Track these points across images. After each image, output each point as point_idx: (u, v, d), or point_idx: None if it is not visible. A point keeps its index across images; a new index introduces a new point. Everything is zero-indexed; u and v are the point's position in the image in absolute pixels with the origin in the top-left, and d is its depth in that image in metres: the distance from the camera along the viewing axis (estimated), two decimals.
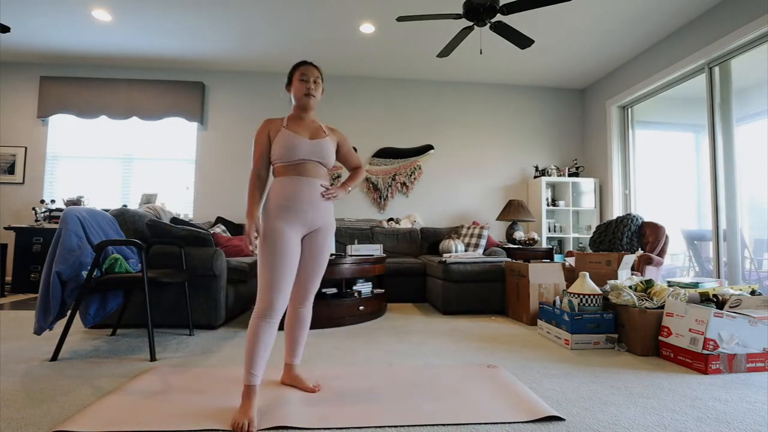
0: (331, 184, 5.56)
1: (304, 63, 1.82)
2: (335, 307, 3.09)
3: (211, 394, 1.68)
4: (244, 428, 1.37)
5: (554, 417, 1.49)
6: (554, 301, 2.84)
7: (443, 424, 1.42)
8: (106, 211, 3.05)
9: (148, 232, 2.87)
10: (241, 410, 1.44)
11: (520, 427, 1.41)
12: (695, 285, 2.60)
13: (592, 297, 2.55)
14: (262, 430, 1.38)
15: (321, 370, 2.01)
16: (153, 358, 2.17)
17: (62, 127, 5.39)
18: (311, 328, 3.01)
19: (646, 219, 4.23)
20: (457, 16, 3.42)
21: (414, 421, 1.43)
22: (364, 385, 1.80)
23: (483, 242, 4.62)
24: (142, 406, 1.55)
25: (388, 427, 1.40)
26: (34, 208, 4.91)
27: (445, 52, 3.95)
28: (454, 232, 5.09)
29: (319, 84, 1.82)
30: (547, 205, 5.63)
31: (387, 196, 5.65)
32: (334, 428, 1.38)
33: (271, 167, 1.77)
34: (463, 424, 1.42)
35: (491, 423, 1.43)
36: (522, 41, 3.70)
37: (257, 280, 1.61)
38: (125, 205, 5.19)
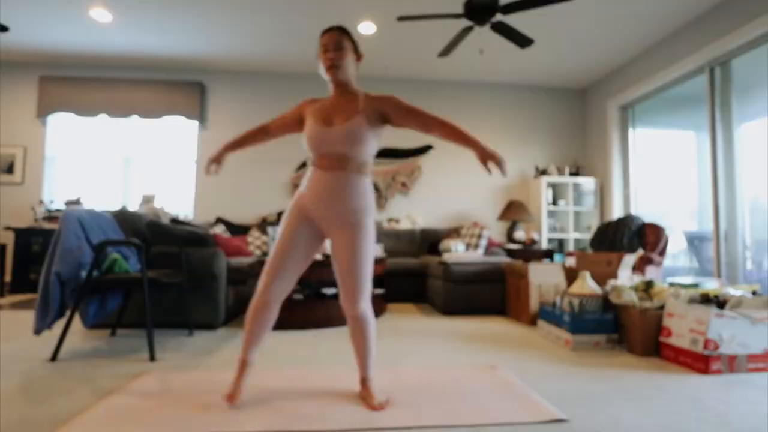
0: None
1: (324, 32, 1.62)
2: (334, 307, 3.09)
3: (214, 397, 1.67)
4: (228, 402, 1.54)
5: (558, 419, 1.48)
6: (554, 302, 2.84)
7: (446, 426, 1.41)
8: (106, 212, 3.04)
9: (147, 232, 2.86)
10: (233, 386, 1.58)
11: (521, 427, 1.41)
12: (696, 285, 2.60)
13: (592, 297, 2.55)
14: None
15: (321, 372, 2.00)
16: (152, 359, 2.17)
17: (62, 127, 5.38)
18: (311, 327, 3.00)
19: (647, 219, 4.22)
20: (457, 16, 3.42)
21: (417, 423, 1.42)
22: None
23: (483, 242, 4.62)
24: (143, 410, 1.54)
25: (391, 429, 1.39)
26: (33, 209, 4.91)
27: (446, 52, 3.95)
28: (454, 232, 5.09)
29: (344, 49, 1.59)
30: (548, 205, 5.62)
31: (387, 196, 5.65)
32: (336, 430, 1.38)
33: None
34: (467, 426, 1.41)
35: (495, 424, 1.43)
36: (522, 41, 3.69)
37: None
38: (124, 206, 5.19)
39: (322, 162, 1.58)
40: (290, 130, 1.73)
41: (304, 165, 5.57)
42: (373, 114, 1.62)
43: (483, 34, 4.55)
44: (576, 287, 2.63)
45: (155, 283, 2.28)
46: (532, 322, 3.14)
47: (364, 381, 1.64)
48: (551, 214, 5.78)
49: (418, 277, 4.37)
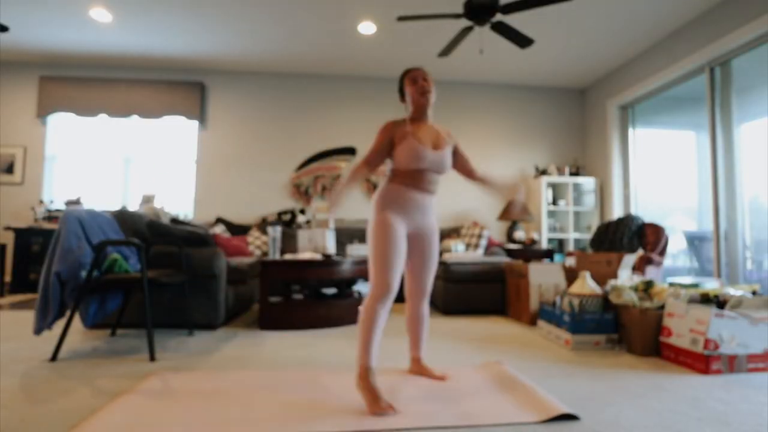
0: (331, 183, 5.55)
1: (410, 69, 1.89)
2: (335, 307, 3.09)
3: (219, 400, 1.67)
4: (388, 411, 1.47)
5: (567, 415, 1.48)
6: (554, 302, 2.84)
7: (454, 426, 1.41)
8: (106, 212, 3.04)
9: (148, 232, 2.86)
10: (372, 398, 1.52)
11: (524, 426, 1.40)
12: (696, 285, 2.59)
13: (592, 297, 2.55)
14: None
15: (324, 372, 2.00)
16: (152, 359, 2.17)
17: (62, 127, 5.39)
18: (311, 327, 3.01)
19: (647, 219, 4.22)
20: (457, 16, 3.42)
21: (425, 423, 1.42)
22: None
23: (483, 242, 4.62)
24: (155, 411, 1.53)
25: (400, 429, 1.39)
26: (33, 209, 4.91)
27: (446, 52, 3.95)
28: (454, 232, 5.09)
29: (430, 82, 1.86)
30: (548, 205, 5.62)
31: None
32: (349, 430, 1.37)
33: (389, 168, 1.87)
34: (478, 426, 1.41)
35: (506, 424, 1.42)
36: (522, 41, 3.69)
37: (371, 269, 1.71)
38: (124, 206, 5.19)
39: (421, 184, 1.83)
40: (384, 156, 1.83)
41: (303, 165, 5.56)
42: (451, 147, 1.94)
43: (483, 34, 4.55)
44: (576, 287, 2.63)
45: (155, 283, 2.28)
46: (532, 322, 3.14)
47: (420, 359, 1.96)
48: (551, 214, 5.78)
49: None
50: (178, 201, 5.49)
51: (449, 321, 3.34)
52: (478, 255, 3.87)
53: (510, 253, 4.93)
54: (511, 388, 1.75)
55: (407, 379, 1.89)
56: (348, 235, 5.07)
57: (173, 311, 2.90)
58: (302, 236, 3.47)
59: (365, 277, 3.50)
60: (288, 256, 3.15)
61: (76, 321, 3.16)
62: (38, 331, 2.14)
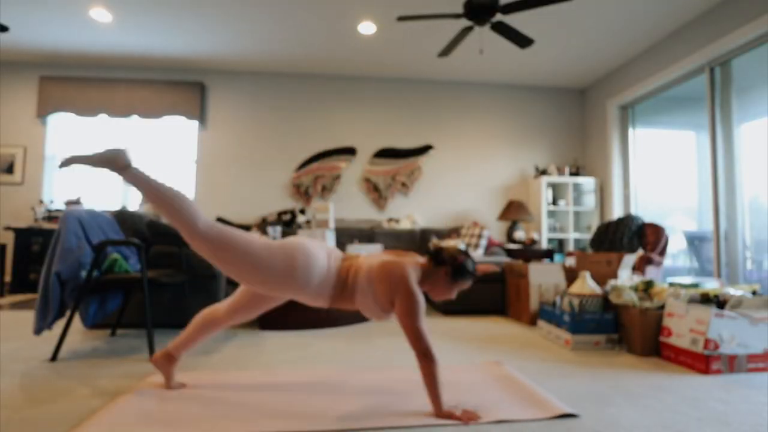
0: (331, 185, 5.53)
1: (472, 271, 1.69)
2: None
3: (219, 400, 1.67)
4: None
5: (567, 415, 1.48)
6: (554, 302, 2.84)
7: (455, 425, 1.41)
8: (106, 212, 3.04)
9: (147, 232, 2.86)
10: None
11: (524, 425, 1.40)
12: (696, 285, 2.59)
13: (592, 297, 2.55)
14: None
15: (324, 372, 2.00)
16: None
17: (62, 127, 5.39)
18: (311, 327, 3.00)
19: (647, 219, 4.22)
20: (457, 16, 3.42)
21: (426, 421, 1.42)
22: (369, 386, 1.80)
23: (483, 242, 4.62)
24: (156, 411, 1.54)
25: (401, 427, 1.39)
26: (33, 209, 4.91)
27: (446, 52, 3.95)
28: (454, 232, 5.09)
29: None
30: (548, 205, 5.62)
31: (387, 196, 5.64)
32: (346, 429, 1.37)
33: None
34: (477, 424, 1.41)
35: (506, 422, 1.42)
36: (522, 41, 3.69)
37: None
38: (124, 206, 5.19)
39: None
40: None
41: (304, 165, 5.56)
42: None
43: (483, 34, 4.55)
44: (576, 287, 2.63)
45: (155, 283, 2.28)
46: (532, 322, 3.14)
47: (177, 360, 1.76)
48: (551, 214, 5.78)
49: None
50: None
51: (449, 321, 3.34)
52: (478, 255, 3.87)
53: (510, 253, 4.93)
54: (511, 387, 1.75)
55: (407, 378, 1.89)
56: (348, 235, 5.07)
57: (173, 311, 2.90)
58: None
59: None
60: None
61: (76, 321, 3.16)
62: (38, 331, 2.14)
